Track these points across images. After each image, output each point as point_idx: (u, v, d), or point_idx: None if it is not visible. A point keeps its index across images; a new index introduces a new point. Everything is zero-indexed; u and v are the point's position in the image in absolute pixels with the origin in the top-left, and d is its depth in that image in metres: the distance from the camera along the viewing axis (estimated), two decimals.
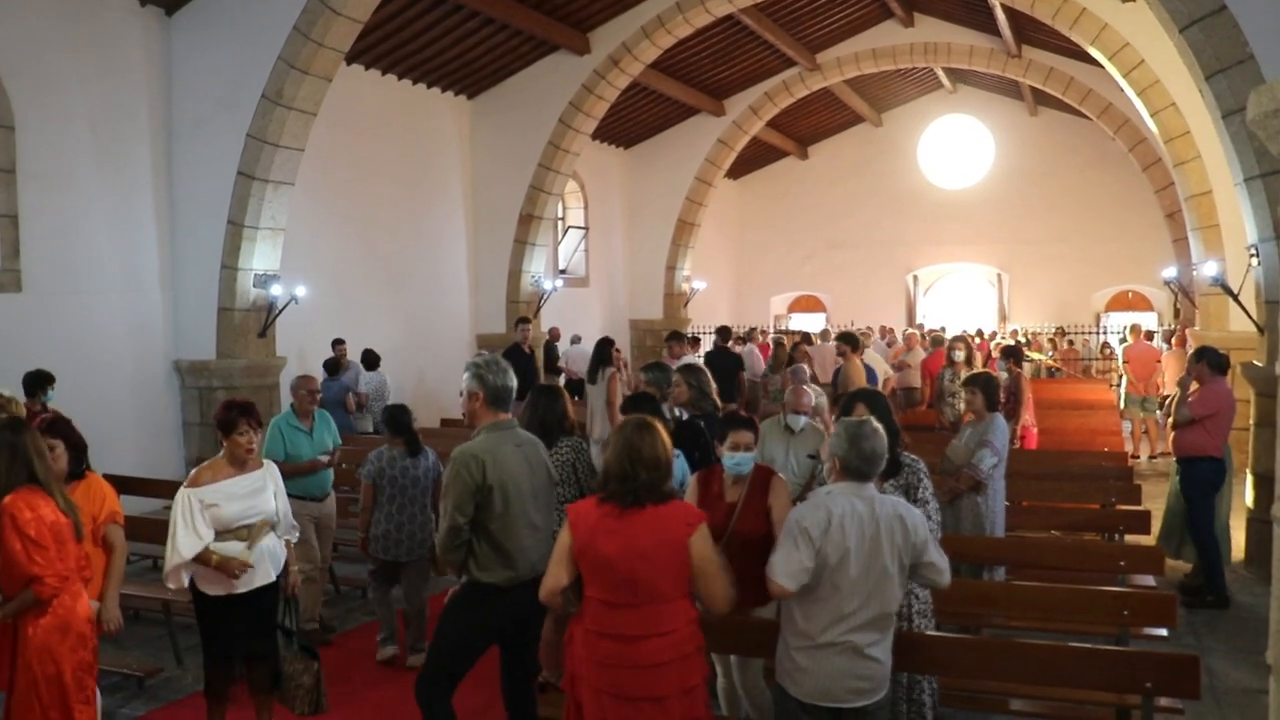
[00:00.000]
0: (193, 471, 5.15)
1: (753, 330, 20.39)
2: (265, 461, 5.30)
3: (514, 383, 4.81)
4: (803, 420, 7.15)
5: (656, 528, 3.80)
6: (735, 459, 4.89)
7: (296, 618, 5.25)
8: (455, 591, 4.81)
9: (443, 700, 4.65)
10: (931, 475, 5.14)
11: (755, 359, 16.39)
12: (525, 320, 14.69)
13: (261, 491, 5.14)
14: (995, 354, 14.42)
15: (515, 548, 4.61)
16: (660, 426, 3.98)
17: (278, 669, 5.17)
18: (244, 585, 5.02)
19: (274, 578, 5.16)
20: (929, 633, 4.67)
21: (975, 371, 8.10)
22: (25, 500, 4.29)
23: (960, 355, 11.65)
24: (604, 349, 11.24)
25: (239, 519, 5.02)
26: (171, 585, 5.01)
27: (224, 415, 5.11)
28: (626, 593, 3.76)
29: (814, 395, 7.65)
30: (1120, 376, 15.75)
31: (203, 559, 4.91)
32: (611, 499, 3.84)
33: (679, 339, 12.52)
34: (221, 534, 4.99)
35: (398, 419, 7.18)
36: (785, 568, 3.92)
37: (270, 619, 5.18)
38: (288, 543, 5.37)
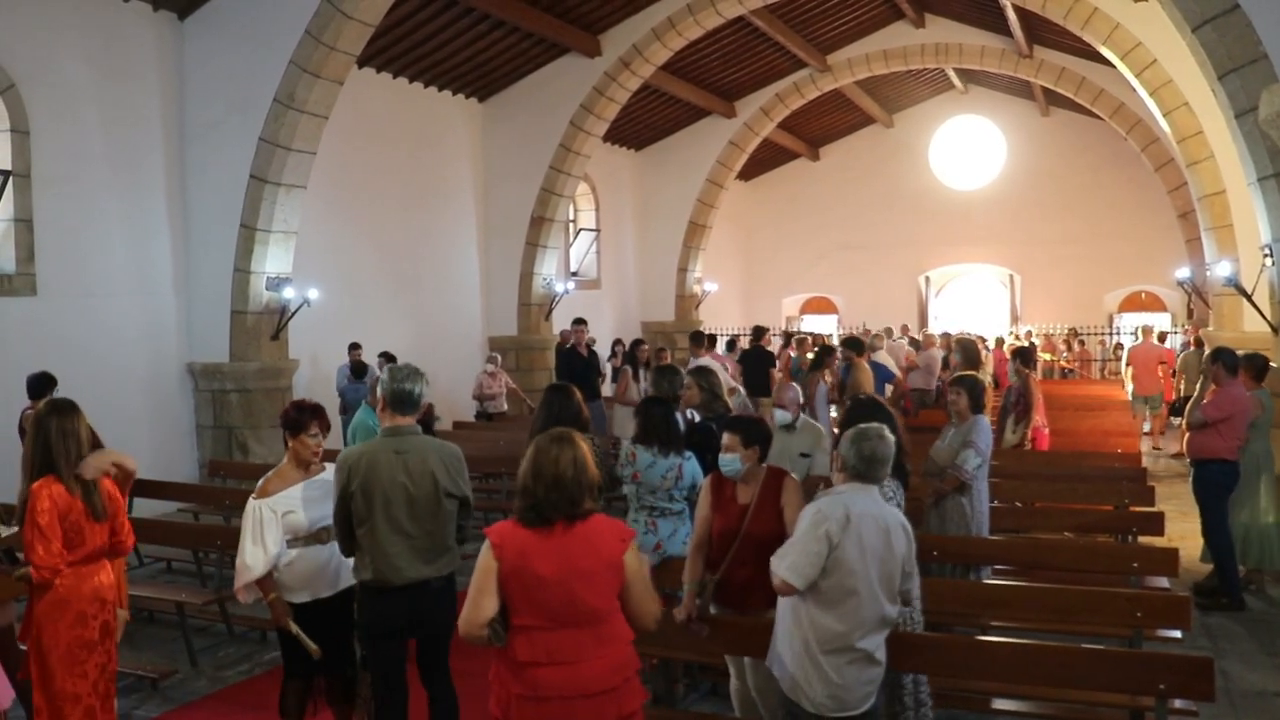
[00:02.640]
0: (259, 482, 5.03)
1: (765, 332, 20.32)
2: (327, 465, 5.14)
3: (413, 387, 4.82)
4: (786, 416, 7.20)
5: (591, 545, 3.57)
6: (721, 459, 4.96)
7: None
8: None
9: (392, 697, 4.78)
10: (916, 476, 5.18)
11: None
12: (580, 321, 14.40)
13: (331, 493, 4.99)
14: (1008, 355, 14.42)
15: (377, 554, 4.65)
16: (578, 440, 3.70)
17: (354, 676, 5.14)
18: (330, 588, 4.97)
19: (353, 581, 5.07)
20: (941, 635, 4.66)
21: (961, 373, 8.12)
22: (47, 489, 4.52)
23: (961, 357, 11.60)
24: (634, 350, 11.62)
25: (318, 522, 4.93)
26: (242, 600, 4.95)
27: (295, 415, 4.99)
28: (564, 615, 3.52)
29: (798, 391, 7.70)
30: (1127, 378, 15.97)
31: (264, 586, 4.85)
32: (532, 517, 3.58)
33: (699, 340, 12.69)
34: (303, 539, 4.91)
35: (426, 421, 7.37)
36: (796, 563, 3.91)
37: (349, 625, 5.08)
38: None
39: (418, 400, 4.83)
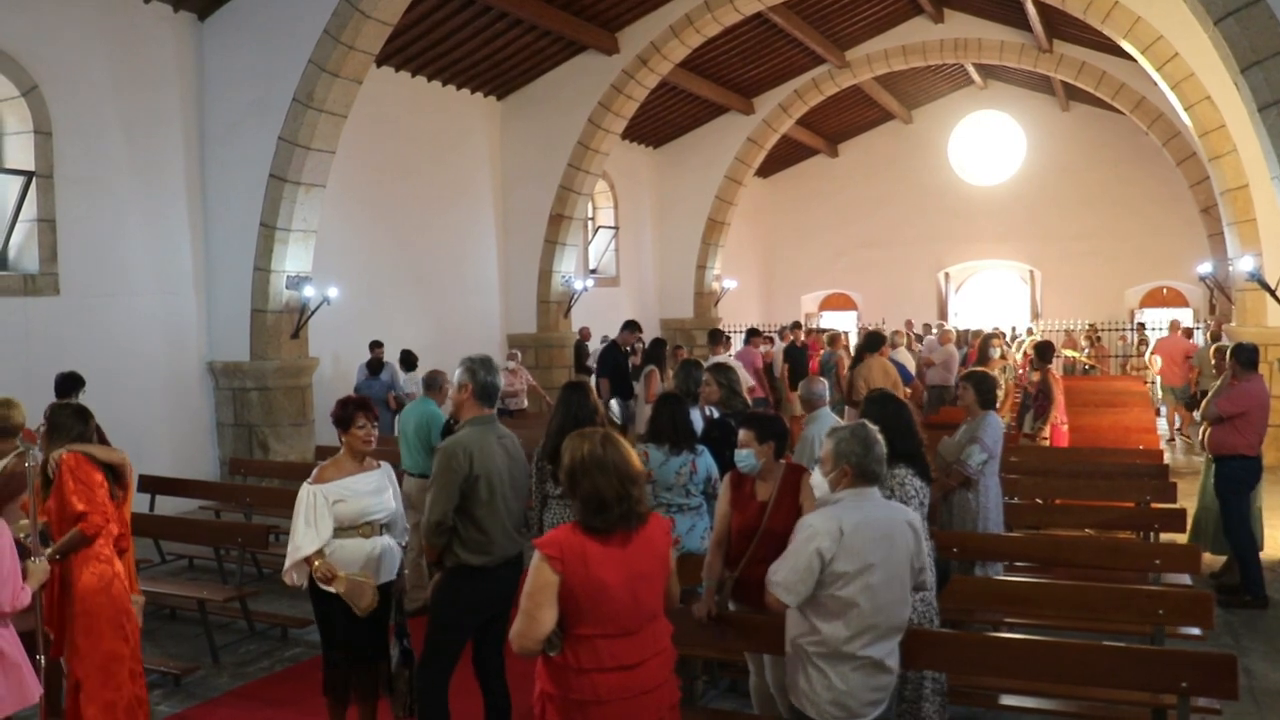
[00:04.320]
0: (315, 469, 5.24)
1: (784, 329, 20.33)
2: (382, 463, 5.36)
3: (501, 382, 5.14)
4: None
5: (649, 546, 3.54)
6: (737, 456, 4.97)
7: (404, 618, 5.34)
8: (439, 578, 4.92)
9: (440, 685, 4.86)
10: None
11: (776, 359, 16.53)
12: (634, 325, 14.33)
13: (383, 491, 5.22)
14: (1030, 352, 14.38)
15: (497, 532, 4.85)
16: (619, 438, 3.63)
17: (388, 671, 5.22)
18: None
19: (393, 576, 5.21)
20: (960, 632, 4.64)
21: (970, 369, 8.07)
22: (81, 455, 4.98)
23: (996, 353, 11.56)
24: (655, 349, 11.65)
25: (363, 515, 5.09)
26: (288, 582, 5.10)
27: (341, 412, 5.23)
28: (627, 619, 3.46)
29: (825, 385, 7.69)
30: (1153, 369, 16.31)
31: (310, 561, 4.98)
32: (614, 526, 3.46)
33: (717, 338, 12.72)
34: (345, 530, 5.06)
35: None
36: (788, 580, 3.88)
37: (384, 620, 5.21)
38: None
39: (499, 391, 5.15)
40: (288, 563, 5.05)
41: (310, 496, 5.05)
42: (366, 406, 5.28)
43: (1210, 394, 8.29)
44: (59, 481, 4.91)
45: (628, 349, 13.65)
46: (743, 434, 4.95)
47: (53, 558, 4.82)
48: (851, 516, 3.90)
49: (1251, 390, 7.87)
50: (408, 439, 8.20)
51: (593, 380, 14.13)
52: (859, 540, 3.86)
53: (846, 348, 15.31)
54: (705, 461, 6.08)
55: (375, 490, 5.18)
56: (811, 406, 7.32)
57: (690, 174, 23.34)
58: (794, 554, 3.91)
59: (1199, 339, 17.61)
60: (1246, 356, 7.95)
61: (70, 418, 5.13)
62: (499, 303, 18.09)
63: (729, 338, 15.75)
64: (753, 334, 15.84)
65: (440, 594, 4.90)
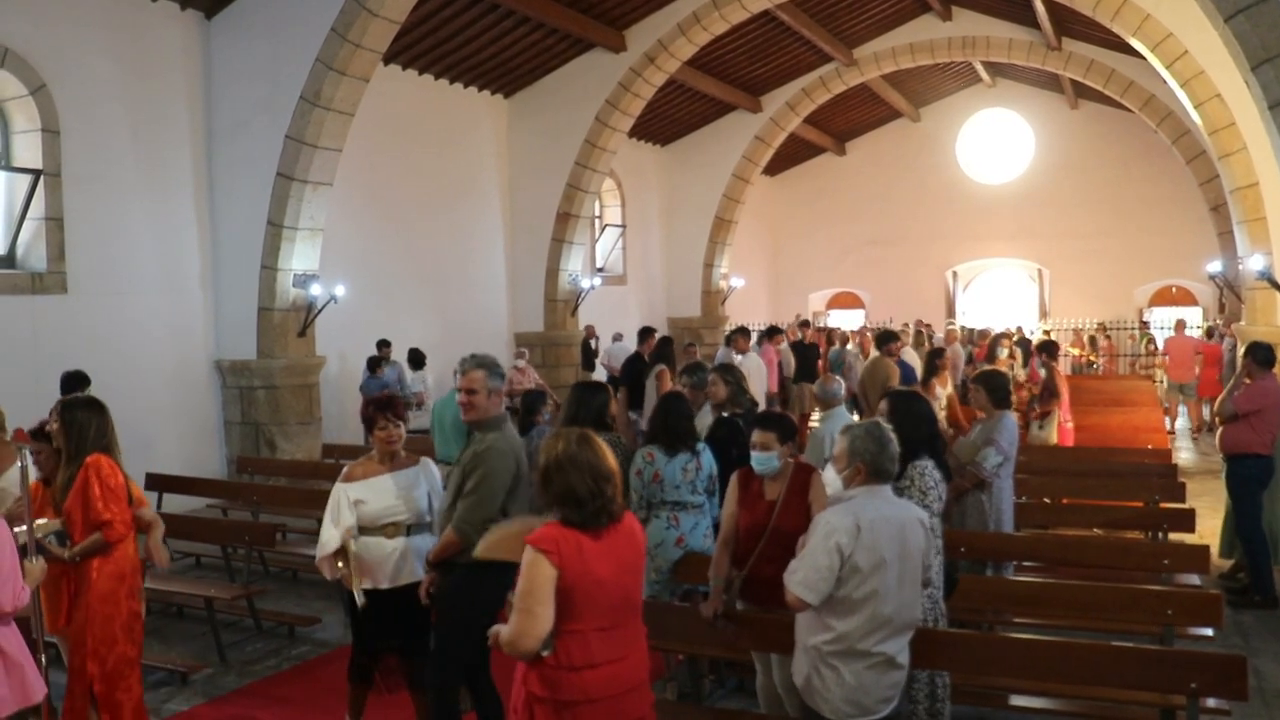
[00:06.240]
0: (346, 468, 5.30)
1: (789, 326, 20.31)
2: (423, 460, 5.36)
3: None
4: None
5: (631, 539, 3.59)
6: (756, 458, 4.92)
7: None
8: (458, 578, 4.84)
9: (456, 684, 4.86)
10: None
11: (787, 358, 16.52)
12: (651, 330, 14.40)
13: (414, 489, 5.20)
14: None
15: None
16: (594, 436, 3.66)
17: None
18: (388, 581, 5.08)
19: (417, 576, 5.13)
20: (968, 632, 4.62)
21: (981, 369, 8.04)
22: (108, 460, 4.98)
23: (1004, 353, 11.53)
24: (663, 347, 11.67)
25: (385, 516, 5.11)
26: (324, 573, 5.19)
27: (364, 413, 5.36)
28: (617, 613, 3.50)
29: (841, 384, 7.70)
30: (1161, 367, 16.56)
31: (338, 558, 5.07)
32: (589, 521, 3.46)
33: (745, 334, 12.73)
34: (369, 530, 5.09)
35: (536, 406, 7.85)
36: (807, 579, 3.87)
37: (424, 616, 5.15)
38: None
39: None
40: (317, 556, 5.17)
41: (335, 494, 5.15)
42: (387, 406, 5.28)
43: (1224, 392, 8.26)
44: (84, 483, 4.89)
45: (649, 358, 13.67)
46: (762, 435, 4.89)
47: (73, 558, 4.87)
48: (867, 513, 3.91)
49: (1267, 388, 7.83)
50: (445, 431, 8.22)
51: (601, 375, 14.12)
52: (875, 536, 3.87)
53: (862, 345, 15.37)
54: (706, 459, 6.08)
55: (404, 489, 5.17)
56: (827, 405, 7.35)
57: (698, 172, 23.31)
58: (813, 552, 3.91)
59: (1215, 339, 17.58)
60: (1262, 355, 7.91)
61: (96, 434, 5.03)
62: (506, 301, 18.08)
63: (774, 329, 16.03)
64: (773, 332, 15.83)
65: (463, 593, 4.82)
